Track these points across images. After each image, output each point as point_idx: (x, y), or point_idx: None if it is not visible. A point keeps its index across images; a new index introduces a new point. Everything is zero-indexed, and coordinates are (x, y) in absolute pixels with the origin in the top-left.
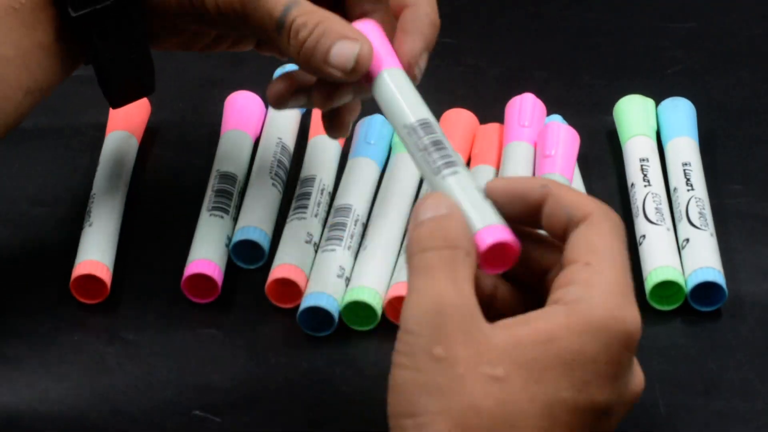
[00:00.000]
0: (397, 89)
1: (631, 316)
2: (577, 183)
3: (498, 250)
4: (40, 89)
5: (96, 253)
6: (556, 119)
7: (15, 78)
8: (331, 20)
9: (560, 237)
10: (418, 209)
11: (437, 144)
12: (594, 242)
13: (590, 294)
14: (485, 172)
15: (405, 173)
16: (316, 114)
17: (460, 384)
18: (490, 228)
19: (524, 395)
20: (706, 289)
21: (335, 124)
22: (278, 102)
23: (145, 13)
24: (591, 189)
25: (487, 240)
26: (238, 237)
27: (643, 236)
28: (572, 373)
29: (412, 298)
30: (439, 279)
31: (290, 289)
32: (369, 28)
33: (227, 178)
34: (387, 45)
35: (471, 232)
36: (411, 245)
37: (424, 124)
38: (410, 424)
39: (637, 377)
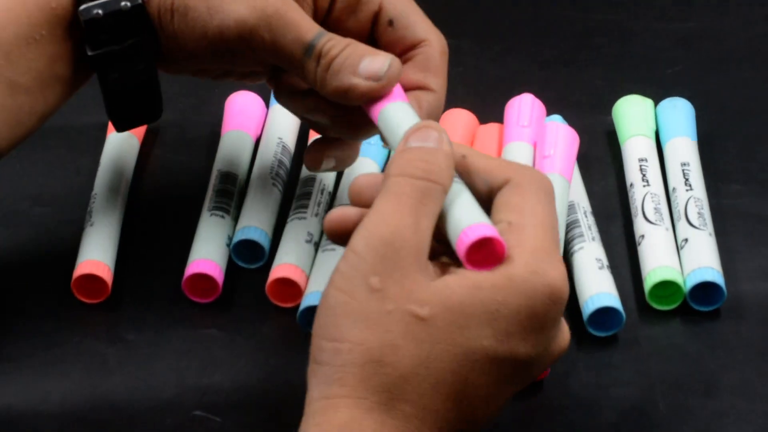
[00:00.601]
0: (409, 115)
1: (554, 272)
2: (577, 183)
3: (482, 246)
4: (51, 113)
5: (97, 252)
6: (556, 119)
7: (31, 106)
8: (360, 45)
9: (485, 202)
10: (407, 136)
11: None
12: (514, 203)
13: (511, 253)
14: None
15: None
16: None
17: (385, 319)
18: (481, 225)
19: (445, 338)
20: (705, 289)
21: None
22: (313, 166)
23: (161, 52)
24: (590, 189)
25: (472, 236)
26: (238, 237)
27: (642, 236)
28: (495, 323)
29: (372, 219)
30: (403, 209)
31: (291, 288)
32: None
33: (228, 178)
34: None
35: (460, 225)
36: (390, 167)
37: None
38: (329, 347)
39: (563, 333)
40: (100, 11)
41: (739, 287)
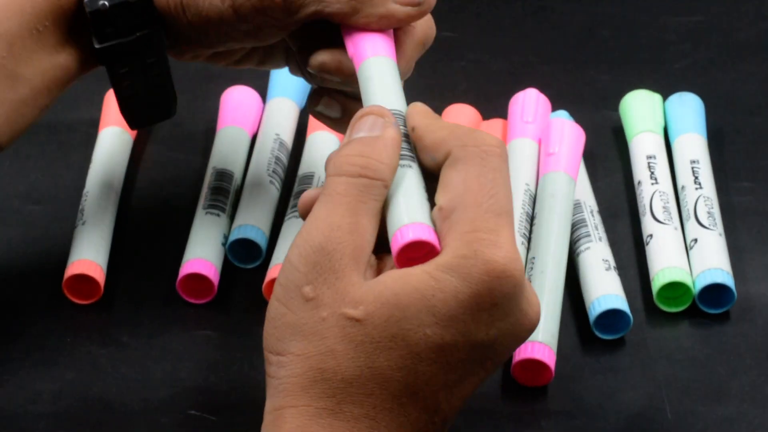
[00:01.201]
0: (383, 76)
1: (487, 248)
2: (583, 181)
3: (417, 246)
4: (52, 104)
5: (89, 252)
6: (562, 115)
7: (33, 98)
8: None
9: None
10: (353, 124)
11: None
12: (450, 181)
13: (443, 243)
14: None
15: None
16: None
17: (321, 327)
18: (414, 225)
19: (385, 334)
20: (714, 290)
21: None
22: (313, 105)
23: (175, 42)
24: (596, 187)
25: (406, 237)
26: (234, 236)
27: (650, 236)
28: (434, 309)
29: (306, 226)
30: (338, 209)
31: None
32: None
33: (223, 175)
34: (389, 32)
35: (393, 226)
36: (330, 165)
37: (398, 116)
38: (274, 360)
39: (532, 303)
40: (105, 2)
41: (748, 288)
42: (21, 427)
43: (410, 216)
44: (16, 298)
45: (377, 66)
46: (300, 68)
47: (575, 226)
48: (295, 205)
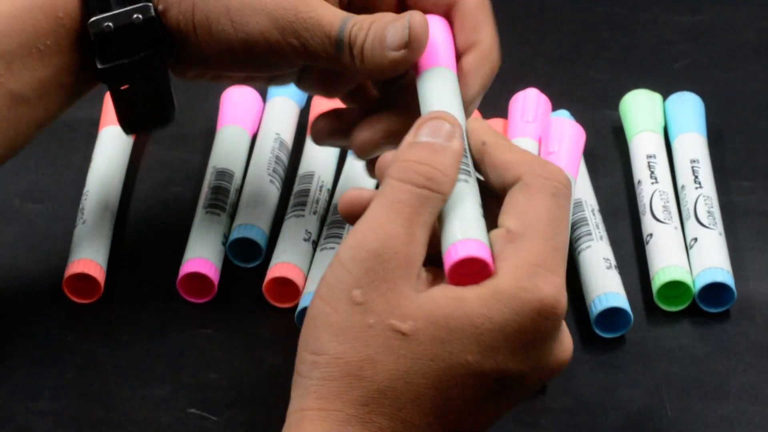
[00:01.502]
0: (444, 87)
1: (547, 287)
2: (584, 180)
3: (470, 263)
4: (50, 121)
5: (89, 251)
6: (563, 114)
7: (30, 116)
8: (383, 16)
9: (501, 197)
10: (419, 124)
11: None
12: (520, 206)
13: (502, 264)
14: None
15: None
16: (315, 109)
17: (365, 334)
18: (469, 242)
19: (427, 352)
20: (714, 289)
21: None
22: (319, 139)
23: (180, 61)
24: (596, 186)
25: (461, 252)
26: (234, 235)
27: (650, 235)
28: (480, 337)
29: (362, 227)
30: (397, 218)
31: (288, 288)
32: (434, 21)
33: (223, 174)
34: (449, 43)
35: (447, 240)
36: (394, 168)
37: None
38: (309, 360)
39: (564, 346)
40: (111, 24)
41: (748, 287)
42: (21, 425)
43: (465, 232)
44: (16, 297)
45: (441, 75)
46: (314, 86)
47: (576, 225)
48: (295, 204)
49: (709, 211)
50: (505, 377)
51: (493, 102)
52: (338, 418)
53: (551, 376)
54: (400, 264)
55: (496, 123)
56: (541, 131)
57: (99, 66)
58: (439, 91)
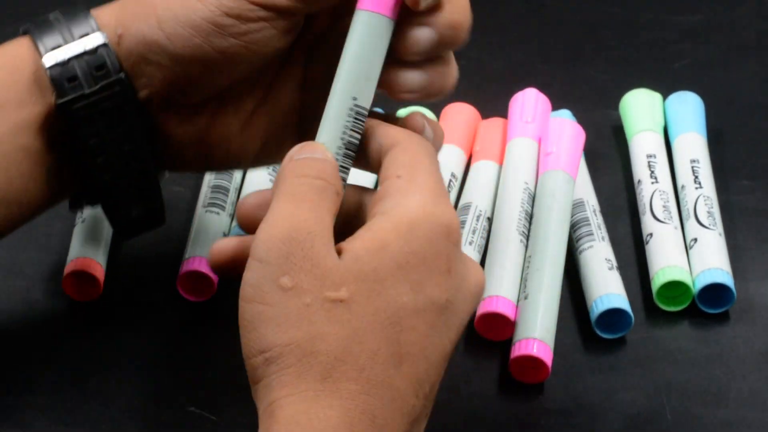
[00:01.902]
0: (366, 44)
1: (445, 210)
2: (585, 180)
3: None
4: (20, 216)
5: (88, 250)
6: (566, 114)
7: None
8: None
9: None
10: (292, 152)
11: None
12: (402, 159)
13: (406, 199)
14: (488, 169)
15: None
16: None
17: (306, 313)
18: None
19: (368, 309)
20: (714, 290)
21: None
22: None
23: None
24: (596, 186)
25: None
26: (235, 233)
27: (650, 235)
28: (408, 276)
29: (269, 221)
30: (302, 205)
31: None
32: None
33: (223, 172)
34: None
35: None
36: (283, 171)
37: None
38: (260, 361)
39: (473, 269)
40: (64, 55)
41: (748, 288)
42: (20, 422)
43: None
44: (14, 296)
45: (366, 25)
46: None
47: (577, 225)
48: None
49: (709, 212)
50: (436, 307)
51: (492, 102)
52: (306, 397)
53: (472, 302)
54: (316, 241)
55: (495, 123)
56: (541, 131)
57: (57, 101)
58: (362, 51)
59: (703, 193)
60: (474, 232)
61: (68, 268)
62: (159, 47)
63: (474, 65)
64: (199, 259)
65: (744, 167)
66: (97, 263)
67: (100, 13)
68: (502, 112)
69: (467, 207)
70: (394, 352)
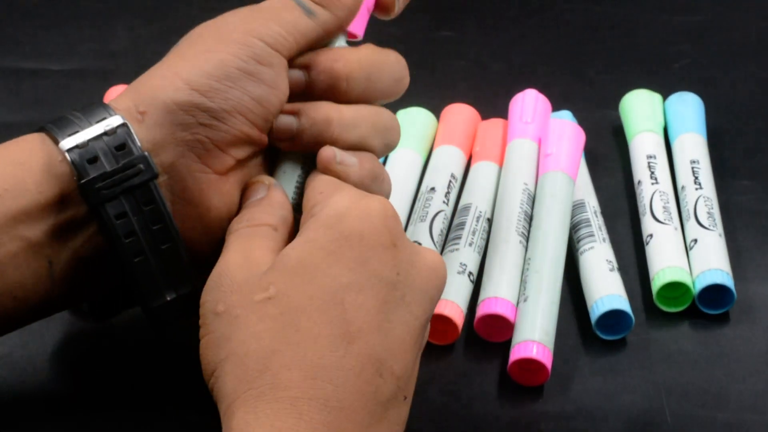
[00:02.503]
0: None
1: (369, 196)
2: (586, 181)
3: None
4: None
5: None
6: (566, 115)
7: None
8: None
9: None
10: (245, 196)
11: None
12: (319, 183)
13: (331, 199)
14: (488, 170)
15: (404, 170)
16: None
17: (237, 323)
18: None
19: (301, 297)
20: (714, 291)
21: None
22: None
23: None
24: (596, 187)
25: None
26: None
27: (650, 235)
28: (342, 257)
29: (207, 279)
30: (230, 252)
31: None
32: None
33: None
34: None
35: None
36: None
37: None
38: (212, 384)
39: (425, 248)
40: (83, 137)
41: (748, 288)
42: (19, 425)
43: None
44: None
45: None
46: None
47: (578, 226)
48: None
49: (709, 213)
50: (388, 282)
51: (492, 102)
52: (252, 396)
53: (436, 273)
54: (241, 271)
55: (495, 123)
56: (541, 132)
57: (80, 182)
58: None
59: (703, 194)
60: (474, 233)
61: None
62: (196, 107)
63: (474, 66)
64: None
65: (744, 167)
66: None
67: (116, 100)
68: (502, 112)
69: (467, 208)
70: (341, 332)
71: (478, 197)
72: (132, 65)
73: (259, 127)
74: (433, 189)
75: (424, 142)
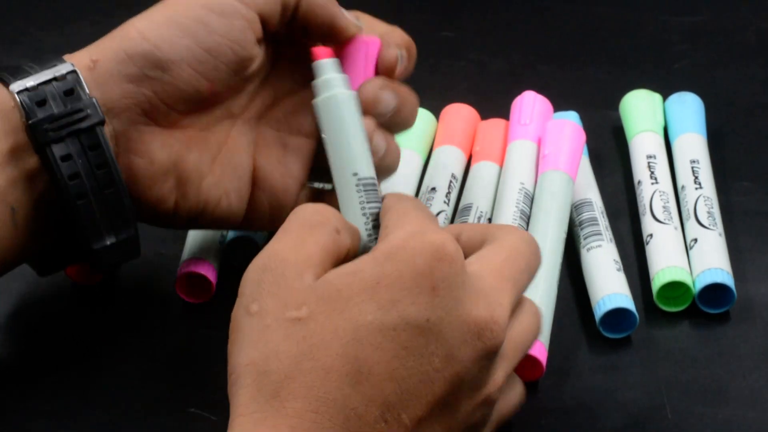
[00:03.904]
0: (343, 123)
1: (434, 233)
2: (590, 181)
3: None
4: None
5: None
6: (572, 116)
7: None
8: None
9: None
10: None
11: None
12: (390, 216)
13: (389, 236)
14: (488, 169)
15: (404, 170)
16: None
17: (265, 333)
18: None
19: (328, 327)
20: (714, 290)
21: None
22: None
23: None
24: (597, 186)
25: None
26: (232, 234)
27: (650, 235)
28: (376, 296)
29: (254, 258)
30: (286, 238)
31: None
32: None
33: None
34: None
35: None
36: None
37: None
38: (230, 382)
39: (477, 295)
40: (33, 83)
41: (748, 288)
42: (20, 424)
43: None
44: (14, 296)
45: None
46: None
47: (585, 224)
48: None
49: (709, 212)
50: (415, 326)
51: (493, 103)
52: (254, 419)
53: (476, 328)
54: (288, 267)
55: (495, 123)
56: (540, 133)
57: (29, 122)
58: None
59: (703, 194)
60: None
61: (68, 270)
62: (144, 58)
63: (473, 66)
64: (197, 260)
65: (744, 167)
66: None
67: (74, 54)
68: (502, 112)
69: (468, 208)
70: (351, 370)
71: (478, 197)
72: None
73: (209, 79)
74: (433, 189)
75: (424, 142)
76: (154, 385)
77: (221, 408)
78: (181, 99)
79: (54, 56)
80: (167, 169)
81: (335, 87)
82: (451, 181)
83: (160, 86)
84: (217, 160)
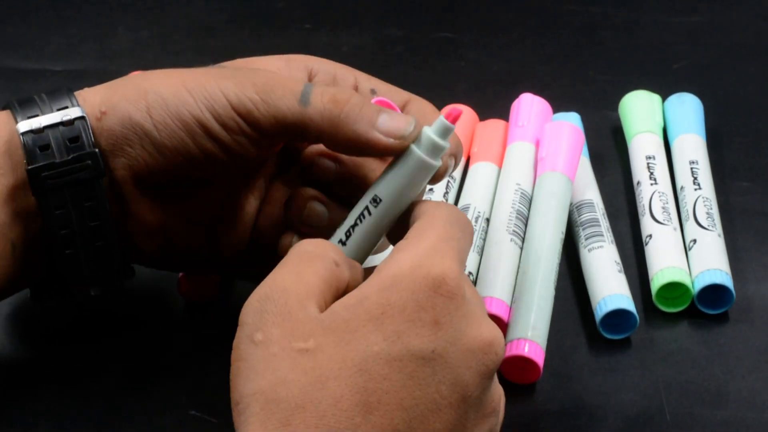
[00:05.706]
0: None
1: (437, 263)
2: (591, 182)
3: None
4: None
5: None
6: (573, 117)
7: None
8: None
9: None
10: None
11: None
12: (417, 225)
13: (398, 255)
14: (486, 170)
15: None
16: None
17: (271, 362)
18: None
19: (335, 358)
20: (713, 291)
21: None
22: None
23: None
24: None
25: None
26: None
27: (650, 236)
28: (382, 327)
29: (257, 288)
30: (285, 269)
31: None
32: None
33: None
34: None
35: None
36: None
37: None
38: (236, 412)
39: (477, 324)
40: (40, 123)
41: (747, 289)
42: (20, 424)
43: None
44: (17, 300)
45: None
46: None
47: (587, 224)
48: None
49: (708, 213)
50: (420, 358)
51: (490, 103)
52: None
53: (479, 355)
54: (290, 297)
55: (493, 124)
56: (539, 134)
57: (27, 168)
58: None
59: (702, 194)
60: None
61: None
62: (144, 132)
63: (472, 67)
64: None
65: (743, 168)
66: None
67: (87, 92)
68: (501, 113)
69: (466, 208)
70: (361, 400)
71: (476, 198)
72: (132, 66)
73: (201, 170)
74: (431, 190)
75: None
76: (155, 387)
77: (222, 410)
78: (173, 178)
79: (65, 91)
80: (155, 231)
81: (437, 157)
82: (449, 181)
83: (151, 160)
84: (209, 226)
